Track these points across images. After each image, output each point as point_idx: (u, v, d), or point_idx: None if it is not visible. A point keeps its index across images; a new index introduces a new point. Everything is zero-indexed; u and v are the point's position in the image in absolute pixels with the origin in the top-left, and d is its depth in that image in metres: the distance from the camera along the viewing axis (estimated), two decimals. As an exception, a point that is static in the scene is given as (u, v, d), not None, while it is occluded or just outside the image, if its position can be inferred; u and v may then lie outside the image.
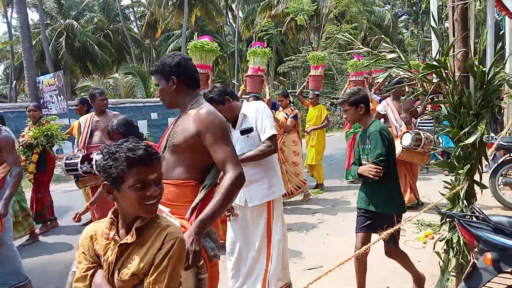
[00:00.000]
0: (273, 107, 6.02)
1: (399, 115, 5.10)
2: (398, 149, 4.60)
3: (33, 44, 16.11)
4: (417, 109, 5.23)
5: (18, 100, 29.39)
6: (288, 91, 7.21)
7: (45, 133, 5.03)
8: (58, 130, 5.27)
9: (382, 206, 2.74)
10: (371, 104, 7.41)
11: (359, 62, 6.98)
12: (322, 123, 6.60)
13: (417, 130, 4.88)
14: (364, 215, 2.85)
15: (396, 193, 2.82)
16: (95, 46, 24.25)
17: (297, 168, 5.78)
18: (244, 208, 2.79)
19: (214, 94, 2.71)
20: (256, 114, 2.71)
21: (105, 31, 27.32)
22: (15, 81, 24.12)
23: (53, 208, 5.25)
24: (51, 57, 21.10)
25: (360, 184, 2.98)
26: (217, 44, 4.92)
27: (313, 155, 6.57)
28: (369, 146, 2.73)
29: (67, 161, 3.96)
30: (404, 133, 4.79)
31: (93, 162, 3.84)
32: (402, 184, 4.89)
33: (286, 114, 5.77)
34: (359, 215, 2.93)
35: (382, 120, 5.18)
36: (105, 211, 2.91)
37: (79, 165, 3.88)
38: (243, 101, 2.85)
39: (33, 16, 29.38)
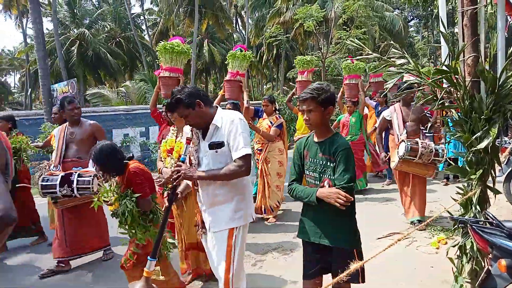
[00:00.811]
0: (256, 114, 5.60)
1: (404, 123, 4.71)
2: (396, 159, 4.45)
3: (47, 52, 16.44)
4: (427, 116, 4.77)
5: (33, 108, 30.00)
6: (295, 97, 7.04)
7: (13, 146, 4.39)
8: (28, 143, 4.68)
9: (343, 239, 2.17)
10: (366, 110, 7.27)
11: (353, 65, 6.71)
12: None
13: (416, 140, 4.42)
14: (315, 253, 2.25)
15: (355, 223, 2.30)
16: (108, 54, 24.67)
17: (281, 180, 5.21)
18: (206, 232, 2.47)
19: (183, 95, 2.28)
20: (230, 127, 2.28)
21: (117, 39, 27.77)
22: (30, 89, 24.62)
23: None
24: (65, 65, 21.50)
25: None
26: (189, 46, 4.54)
27: None
28: (331, 164, 2.15)
29: (44, 183, 3.49)
30: (401, 142, 4.43)
31: (74, 185, 3.46)
32: (406, 199, 4.70)
33: (271, 122, 5.19)
34: (308, 254, 2.31)
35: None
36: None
37: (57, 188, 3.45)
38: (217, 107, 2.41)
39: (47, 25, 30.02)
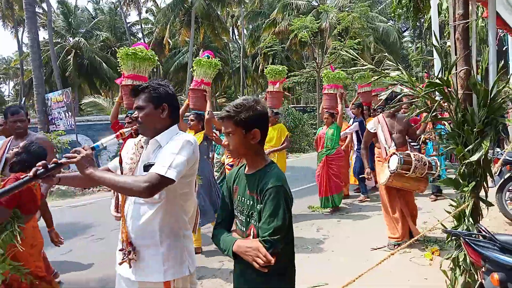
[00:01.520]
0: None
1: (391, 135, 4.35)
2: (386, 174, 4.11)
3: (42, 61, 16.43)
4: (414, 129, 4.48)
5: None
6: (291, 106, 6.83)
7: None
8: None
9: None
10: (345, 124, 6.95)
11: (333, 73, 6.39)
12: (282, 144, 5.82)
13: (408, 152, 4.16)
14: None
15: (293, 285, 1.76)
16: (103, 63, 24.70)
17: None
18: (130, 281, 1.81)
19: (157, 88, 1.84)
20: (170, 144, 1.77)
21: (113, 48, 27.84)
22: (24, 98, 24.52)
23: None
24: (59, 74, 21.48)
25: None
26: (153, 52, 4.16)
27: None
28: (258, 205, 1.62)
29: None
30: (392, 155, 4.11)
31: None
32: (393, 217, 4.34)
33: None
34: None
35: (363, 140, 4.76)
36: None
37: None
38: (176, 127, 1.90)
39: (42, 34, 30.05)
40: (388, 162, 4.09)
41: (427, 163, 4.02)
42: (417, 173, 3.97)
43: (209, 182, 4.50)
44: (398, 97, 3.13)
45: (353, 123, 6.94)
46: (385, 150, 4.32)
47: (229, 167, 4.75)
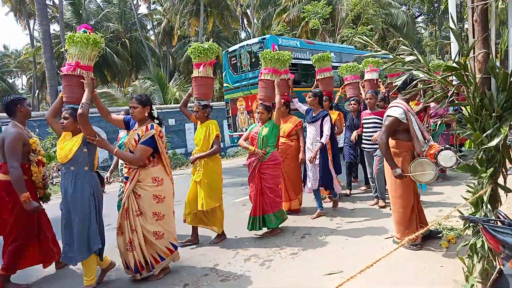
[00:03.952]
0: (128, 125, 3.83)
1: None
2: (433, 173, 3.46)
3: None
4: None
5: (40, 109, 30.32)
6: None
7: None
8: None
9: None
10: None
11: (272, 54, 4.93)
12: (211, 147, 4.34)
13: (447, 145, 3.59)
14: None
15: None
16: (113, 55, 24.81)
17: (161, 224, 3.47)
18: None
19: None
20: None
21: (122, 39, 27.92)
22: (37, 90, 24.87)
23: None
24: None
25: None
26: (99, 35, 3.44)
27: (203, 197, 4.27)
28: None
29: None
30: (441, 150, 3.46)
31: None
32: (413, 215, 3.83)
33: (138, 135, 3.47)
34: None
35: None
36: None
37: None
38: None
39: (53, 26, 30.27)
40: (435, 158, 3.45)
41: None
42: None
43: (88, 203, 3.28)
44: (414, 82, 3.06)
45: (309, 115, 5.41)
46: (419, 145, 3.66)
47: (125, 180, 3.57)
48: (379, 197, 5.59)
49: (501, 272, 2.06)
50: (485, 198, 2.54)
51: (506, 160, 2.58)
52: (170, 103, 17.67)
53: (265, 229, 4.70)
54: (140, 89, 19.04)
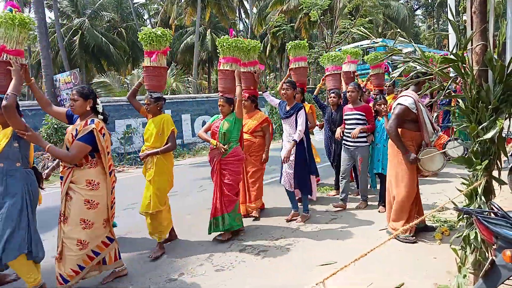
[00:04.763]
0: (70, 119, 3.37)
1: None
2: (440, 162, 3.64)
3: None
4: None
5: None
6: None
7: None
8: None
9: None
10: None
11: (230, 41, 4.34)
12: (165, 144, 3.92)
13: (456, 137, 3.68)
14: None
15: None
16: (109, 44, 24.59)
17: (88, 233, 3.08)
18: None
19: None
20: None
21: (118, 29, 27.64)
22: (33, 79, 24.65)
23: None
24: (66, 56, 21.48)
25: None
26: (30, 17, 3.15)
27: (150, 197, 3.85)
28: None
29: None
30: (449, 140, 3.60)
31: None
32: (411, 207, 3.90)
33: (76, 130, 3.15)
34: None
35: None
36: None
37: None
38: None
39: (48, 15, 29.91)
40: (442, 148, 3.61)
41: None
42: None
43: (20, 203, 2.95)
44: (412, 73, 3.05)
45: (282, 110, 4.86)
46: (429, 135, 3.74)
47: (60, 180, 3.20)
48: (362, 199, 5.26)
49: (493, 262, 2.09)
50: (479, 190, 2.56)
51: (501, 152, 2.59)
52: (167, 94, 17.58)
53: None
54: (138, 79, 18.92)
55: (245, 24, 33.32)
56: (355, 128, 4.97)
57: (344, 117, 5.20)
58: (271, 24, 22.00)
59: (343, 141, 5.19)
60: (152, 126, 3.97)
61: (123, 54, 26.53)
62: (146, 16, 33.17)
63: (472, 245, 2.55)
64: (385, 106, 4.73)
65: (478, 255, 2.53)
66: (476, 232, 2.48)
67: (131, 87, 20.58)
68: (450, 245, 2.74)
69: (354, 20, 16.90)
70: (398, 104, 3.80)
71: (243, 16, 33.43)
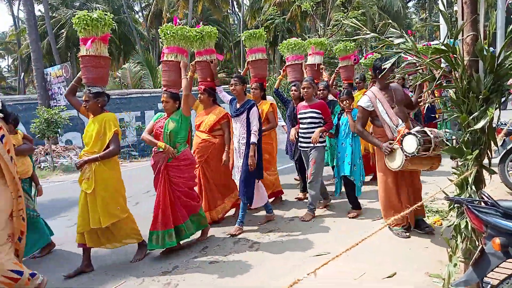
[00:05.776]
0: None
1: (392, 109, 3.65)
2: (399, 159, 3.44)
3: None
4: (411, 98, 3.94)
5: (26, 92, 29.67)
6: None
7: None
8: None
9: None
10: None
11: (175, 29, 3.88)
12: (105, 148, 3.43)
13: (423, 129, 3.42)
14: None
15: None
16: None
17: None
18: None
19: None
20: None
21: (109, 22, 27.24)
22: (23, 73, 24.28)
23: None
24: (57, 49, 21.18)
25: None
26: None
27: (99, 212, 3.36)
28: None
29: None
30: (405, 135, 3.39)
31: None
32: (399, 205, 3.71)
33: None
34: None
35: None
36: None
37: None
38: None
39: (38, 7, 29.41)
40: (401, 144, 3.40)
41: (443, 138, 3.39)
42: (437, 150, 3.32)
43: None
44: (387, 63, 3.01)
45: (237, 113, 4.34)
46: (391, 130, 3.62)
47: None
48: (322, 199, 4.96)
49: (483, 250, 2.12)
50: (470, 180, 2.58)
51: (492, 142, 2.61)
52: (160, 88, 17.44)
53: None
54: (130, 73, 18.73)
55: (237, 16, 33.09)
56: (309, 128, 4.50)
57: (298, 116, 4.66)
58: (264, 17, 21.85)
59: (299, 144, 4.74)
60: (92, 127, 3.45)
61: (114, 48, 26.20)
62: (137, 8, 32.77)
63: (463, 234, 2.58)
64: (348, 102, 4.33)
65: (468, 244, 2.56)
66: (466, 221, 2.50)
67: (122, 81, 20.39)
68: (441, 235, 2.77)
69: (347, 12, 16.84)
70: (358, 104, 3.86)
71: (236, 8, 33.21)
